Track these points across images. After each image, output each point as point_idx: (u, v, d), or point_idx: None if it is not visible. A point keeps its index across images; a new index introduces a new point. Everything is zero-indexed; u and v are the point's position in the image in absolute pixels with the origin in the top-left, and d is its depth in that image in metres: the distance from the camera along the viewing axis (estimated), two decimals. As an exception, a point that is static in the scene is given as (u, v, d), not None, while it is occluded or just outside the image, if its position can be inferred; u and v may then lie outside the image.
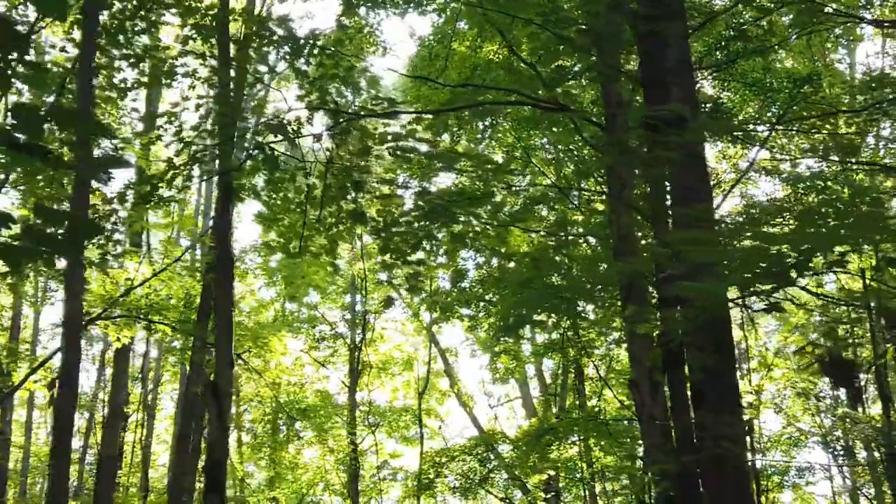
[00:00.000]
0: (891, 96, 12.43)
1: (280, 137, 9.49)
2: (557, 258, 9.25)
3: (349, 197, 10.24)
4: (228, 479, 29.71)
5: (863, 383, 22.20)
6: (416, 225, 9.63)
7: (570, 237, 10.30)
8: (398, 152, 9.87)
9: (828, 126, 12.96)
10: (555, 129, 16.81)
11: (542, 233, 10.72)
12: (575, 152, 18.78)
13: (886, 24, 15.81)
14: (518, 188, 21.62)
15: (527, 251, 10.74)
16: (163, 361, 25.41)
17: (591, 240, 14.87)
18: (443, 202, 9.11)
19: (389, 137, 9.38)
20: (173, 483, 14.89)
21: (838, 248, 5.42)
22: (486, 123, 19.21)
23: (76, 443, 30.26)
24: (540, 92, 10.29)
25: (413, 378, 27.58)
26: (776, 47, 15.87)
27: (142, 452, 25.26)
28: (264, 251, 23.76)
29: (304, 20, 29.30)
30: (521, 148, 19.59)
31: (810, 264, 4.73)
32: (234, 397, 28.46)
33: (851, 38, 19.67)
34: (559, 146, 19.60)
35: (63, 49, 11.31)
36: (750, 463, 22.14)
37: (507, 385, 30.52)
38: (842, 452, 21.32)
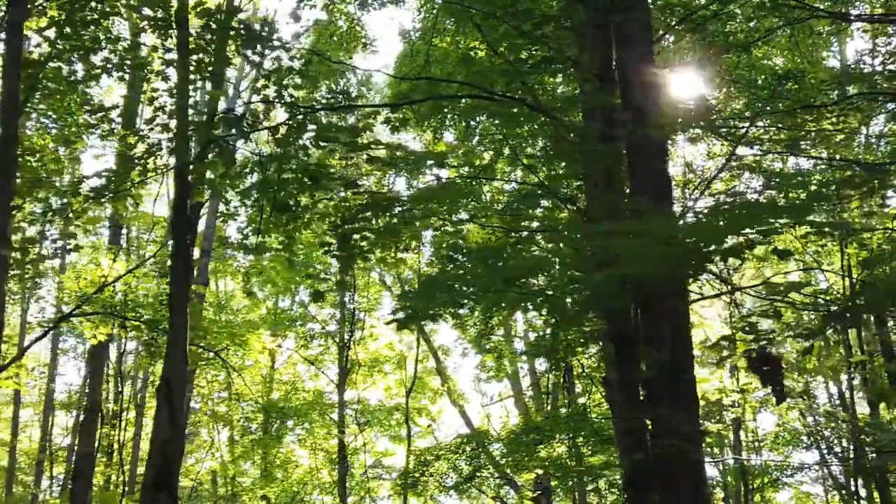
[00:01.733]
0: (865, 90, 12.26)
1: (234, 131, 9.37)
2: (513, 254, 9.11)
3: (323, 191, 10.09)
4: (220, 478, 29.70)
5: (855, 383, 22.00)
6: (374, 222, 9.49)
7: (528, 233, 10.13)
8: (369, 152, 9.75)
9: (809, 122, 12.78)
10: (544, 128, 16.61)
11: (498, 228, 10.57)
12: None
13: (874, 19, 15.59)
14: (510, 186, 21.54)
15: (483, 247, 10.58)
16: (145, 358, 25.32)
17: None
18: (395, 197, 8.98)
19: (342, 136, 9.23)
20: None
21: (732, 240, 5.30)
22: (475, 121, 19.07)
23: (66, 441, 30.27)
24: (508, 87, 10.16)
25: (404, 376, 27.48)
26: (758, 43, 15.65)
27: (131, 450, 25.20)
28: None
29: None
30: (508, 146, 19.39)
31: (711, 256, 4.60)
32: (227, 393, 28.36)
33: (838, 34, 19.44)
34: (548, 144, 19.40)
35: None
36: (738, 462, 21.98)
37: (500, 383, 30.40)
38: (828, 451, 21.17)
